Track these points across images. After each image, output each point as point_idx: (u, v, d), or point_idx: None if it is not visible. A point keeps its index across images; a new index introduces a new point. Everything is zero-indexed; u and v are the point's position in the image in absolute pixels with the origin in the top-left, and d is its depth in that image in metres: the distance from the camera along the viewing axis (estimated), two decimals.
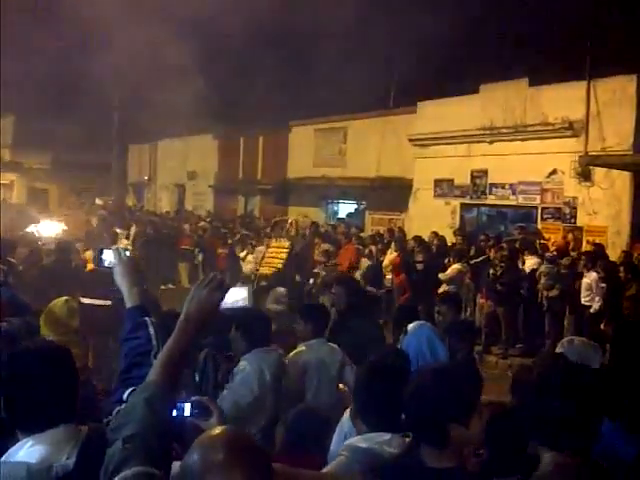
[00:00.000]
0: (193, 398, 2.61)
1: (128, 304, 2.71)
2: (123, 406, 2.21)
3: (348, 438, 3.41)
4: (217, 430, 1.83)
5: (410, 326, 5.36)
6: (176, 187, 30.56)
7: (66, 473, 2.18)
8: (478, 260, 13.61)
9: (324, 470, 3.02)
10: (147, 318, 2.66)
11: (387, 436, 2.96)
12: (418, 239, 14.73)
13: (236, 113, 24.79)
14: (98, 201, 26.84)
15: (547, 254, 12.70)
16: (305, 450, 3.65)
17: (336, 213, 22.74)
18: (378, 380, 3.25)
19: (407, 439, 2.93)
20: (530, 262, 12.76)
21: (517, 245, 13.64)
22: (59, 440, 2.26)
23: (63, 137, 28.21)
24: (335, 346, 5.46)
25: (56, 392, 2.33)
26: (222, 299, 2.31)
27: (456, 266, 13.11)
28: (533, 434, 2.63)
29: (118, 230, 16.91)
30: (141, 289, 2.78)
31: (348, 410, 3.67)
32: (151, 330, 2.61)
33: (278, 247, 15.67)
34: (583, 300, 11.48)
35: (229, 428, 1.89)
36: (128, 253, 2.85)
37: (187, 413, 2.55)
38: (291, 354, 5.38)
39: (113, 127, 29.45)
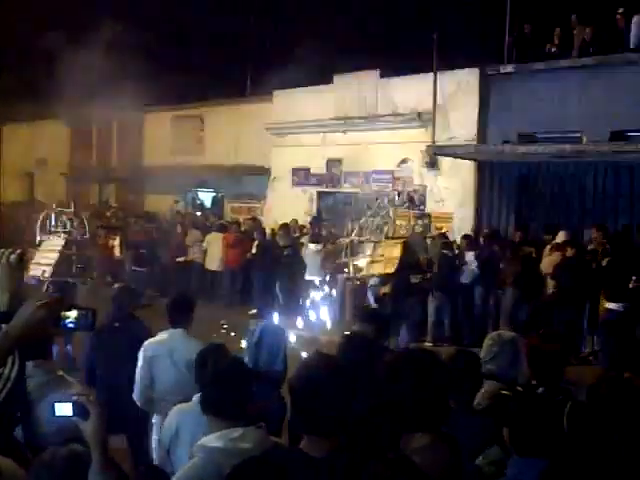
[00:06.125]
0: (74, 398, 2.57)
1: None
2: None
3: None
4: None
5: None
6: (24, 175, 29.04)
7: None
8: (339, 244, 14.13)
9: (176, 475, 3.01)
10: None
11: (240, 431, 2.97)
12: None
13: (88, 97, 23.89)
14: None
15: None
16: None
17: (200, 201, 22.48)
18: (225, 375, 3.26)
19: (260, 430, 3.01)
20: None
21: None
22: None
23: None
24: (194, 340, 5.35)
25: None
26: (48, 317, 2.29)
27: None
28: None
29: None
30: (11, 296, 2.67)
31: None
32: None
33: None
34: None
35: None
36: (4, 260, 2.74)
37: (69, 413, 2.51)
38: (147, 341, 5.36)
39: None
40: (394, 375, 2.81)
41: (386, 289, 12.04)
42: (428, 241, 13.17)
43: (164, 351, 5.25)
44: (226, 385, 3.14)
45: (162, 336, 5.37)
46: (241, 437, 2.93)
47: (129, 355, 5.35)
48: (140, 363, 5.25)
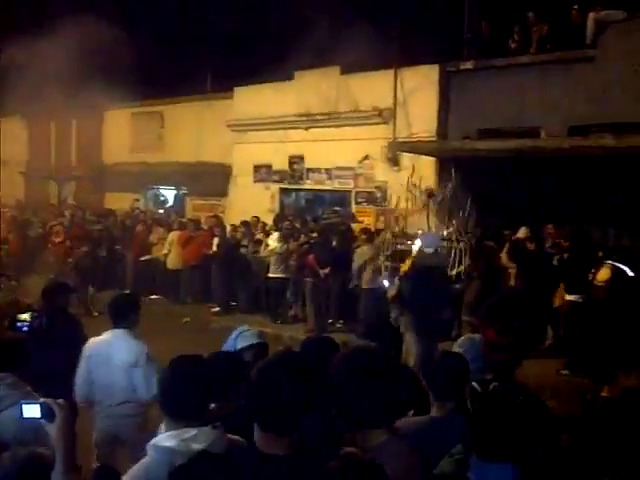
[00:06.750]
0: (42, 400, 2.53)
1: None
2: None
3: None
4: None
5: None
6: None
7: None
8: (302, 242, 14.08)
9: (129, 472, 2.96)
10: None
11: (193, 431, 2.91)
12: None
13: (46, 94, 23.51)
14: None
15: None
16: None
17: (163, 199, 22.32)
18: (179, 374, 3.20)
19: (216, 430, 2.96)
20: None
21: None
22: None
23: None
24: (136, 341, 5.29)
25: None
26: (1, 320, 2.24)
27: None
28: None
29: None
30: None
31: None
32: None
33: None
34: None
35: None
36: None
37: (37, 415, 2.49)
38: (89, 340, 5.28)
39: None
40: (344, 373, 2.79)
41: None
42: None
43: (103, 352, 5.15)
44: (181, 385, 3.09)
45: (103, 336, 5.27)
46: (194, 437, 2.88)
47: (59, 349, 5.24)
48: (81, 362, 5.16)
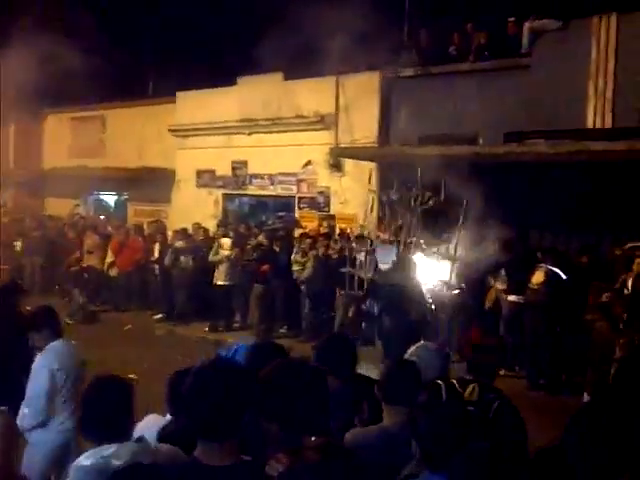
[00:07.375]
0: None
1: None
2: None
3: None
4: None
5: None
6: None
7: None
8: (253, 245, 14.07)
9: None
10: None
11: (113, 447, 2.84)
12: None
13: None
14: None
15: (301, 246, 13.30)
16: None
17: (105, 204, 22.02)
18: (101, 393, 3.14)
19: (139, 444, 2.91)
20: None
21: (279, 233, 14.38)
22: None
23: None
24: (75, 343, 5.29)
25: None
26: None
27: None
28: None
29: None
30: None
31: None
32: None
33: None
34: None
35: None
36: None
37: None
38: (47, 353, 5.12)
39: None
40: (272, 384, 2.79)
41: None
42: None
43: (66, 364, 5.05)
44: (100, 407, 3.01)
45: (53, 350, 5.07)
46: (115, 453, 2.80)
47: (6, 346, 5.20)
48: (43, 381, 4.93)
